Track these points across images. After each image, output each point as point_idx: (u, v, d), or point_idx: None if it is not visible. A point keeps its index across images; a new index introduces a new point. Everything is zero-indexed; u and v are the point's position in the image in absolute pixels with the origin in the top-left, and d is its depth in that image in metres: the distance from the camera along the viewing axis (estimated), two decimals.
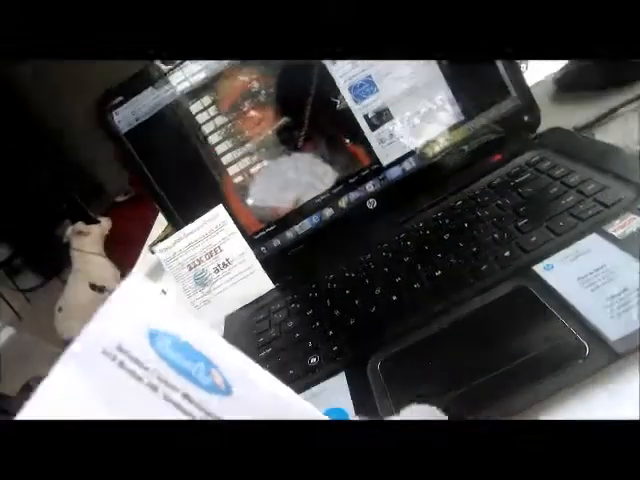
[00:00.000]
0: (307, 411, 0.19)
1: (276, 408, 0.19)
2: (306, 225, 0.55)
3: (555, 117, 0.52)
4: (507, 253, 0.38)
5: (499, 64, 0.50)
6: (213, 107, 0.53)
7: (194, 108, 0.53)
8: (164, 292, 0.67)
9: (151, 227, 1.14)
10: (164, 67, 0.52)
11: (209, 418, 0.17)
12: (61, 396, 0.17)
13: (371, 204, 0.54)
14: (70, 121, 4.57)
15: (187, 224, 0.54)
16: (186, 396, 0.17)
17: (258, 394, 0.18)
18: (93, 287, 2.46)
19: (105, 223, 2.55)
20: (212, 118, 0.53)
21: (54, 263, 3.72)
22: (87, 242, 2.47)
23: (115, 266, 2.57)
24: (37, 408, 0.16)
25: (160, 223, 1.09)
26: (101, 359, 0.17)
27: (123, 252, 2.43)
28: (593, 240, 0.34)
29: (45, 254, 3.81)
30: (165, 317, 0.18)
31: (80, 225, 2.49)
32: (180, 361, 0.17)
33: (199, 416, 0.17)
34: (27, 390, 1.26)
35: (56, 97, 4.39)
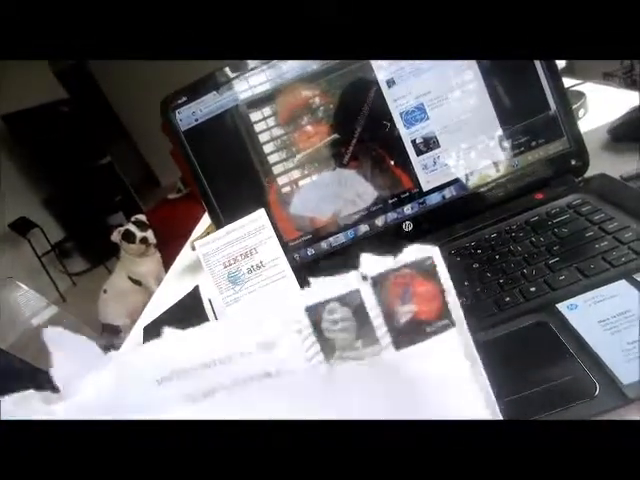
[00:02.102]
0: None
1: None
2: (340, 239, 0.57)
3: (603, 165, 0.52)
4: (533, 288, 0.38)
5: (553, 106, 0.51)
6: (270, 118, 0.56)
7: (251, 116, 0.56)
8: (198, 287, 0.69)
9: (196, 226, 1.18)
10: (230, 74, 0.55)
11: None
12: None
13: (407, 226, 0.55)
14: (140, 117, 4.85)
15: (229, 224, 0.57)
16: None
17: None
18: (130, 279, 2.66)
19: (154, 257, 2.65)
20: (267, 128, 0.56)
21: (103, 251, 3.91)
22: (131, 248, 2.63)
23: (158, 262, 2.71)
24: None
25: (204, 223, 1.13)
26: None
27: (168, 247, 2.55)
28: (621, 286, 0.34)
29: (95, 241, 4.00)
30: None
31: (125, 245, 2.62)
32: None
33: None
34: None
35: (131, 93, 4.67)
